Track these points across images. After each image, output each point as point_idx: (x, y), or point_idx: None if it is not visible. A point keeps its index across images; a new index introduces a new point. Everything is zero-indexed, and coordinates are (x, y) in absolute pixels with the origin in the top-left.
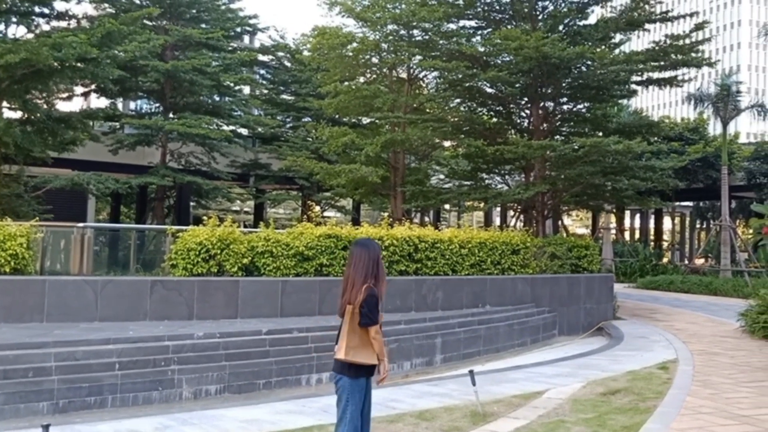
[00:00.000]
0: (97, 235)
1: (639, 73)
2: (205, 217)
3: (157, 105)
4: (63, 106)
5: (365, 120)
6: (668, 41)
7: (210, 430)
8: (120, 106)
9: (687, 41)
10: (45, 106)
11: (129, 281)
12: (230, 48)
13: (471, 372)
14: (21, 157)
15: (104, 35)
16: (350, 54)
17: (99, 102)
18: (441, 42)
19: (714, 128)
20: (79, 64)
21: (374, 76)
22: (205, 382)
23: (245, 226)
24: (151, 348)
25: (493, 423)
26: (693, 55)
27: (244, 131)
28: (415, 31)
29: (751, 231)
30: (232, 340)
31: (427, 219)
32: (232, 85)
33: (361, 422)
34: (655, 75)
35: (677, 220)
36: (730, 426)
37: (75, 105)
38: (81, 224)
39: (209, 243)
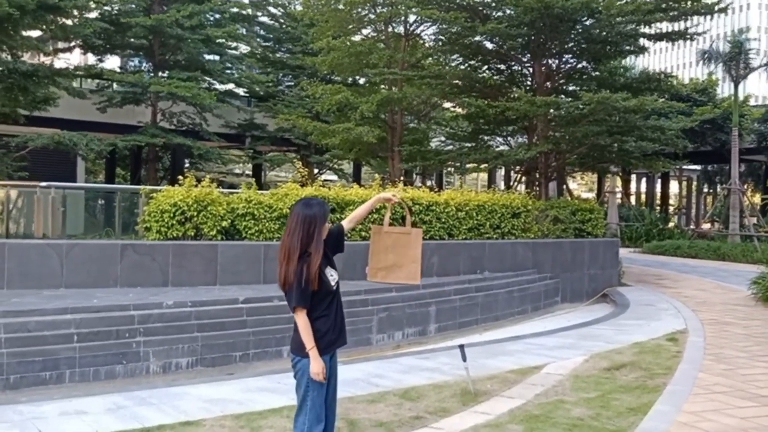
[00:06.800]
0: (64, 195)
1: (648, 24)
2: (181, 177)
3: (148, 62)
4: (55, 63)
5: (361, 80)
6: None
7: (168, 411)
8: (117, 63)
9: None
10: (10, 59)
11: (97, 245)
12: (220, 2)
13: (461, 347)
14: None
15: None
16: (343, 8)
17: (89, 59)
18: None
19: (723, 90)
20: (42, 13)
21: (369, 31)
22: (175, 354)
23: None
24: (114, 318)
25: (484, 403)
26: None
27: (239, 90)
28: None
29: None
30: (206, 310)
31: (429, 183)
32: (222, 41)
33: (326, 408)
34: (665, 27)
35: (684, 184)
36: (749, 408)
37: (62, 63)
38: (44, 183)
39: (185, 204)
